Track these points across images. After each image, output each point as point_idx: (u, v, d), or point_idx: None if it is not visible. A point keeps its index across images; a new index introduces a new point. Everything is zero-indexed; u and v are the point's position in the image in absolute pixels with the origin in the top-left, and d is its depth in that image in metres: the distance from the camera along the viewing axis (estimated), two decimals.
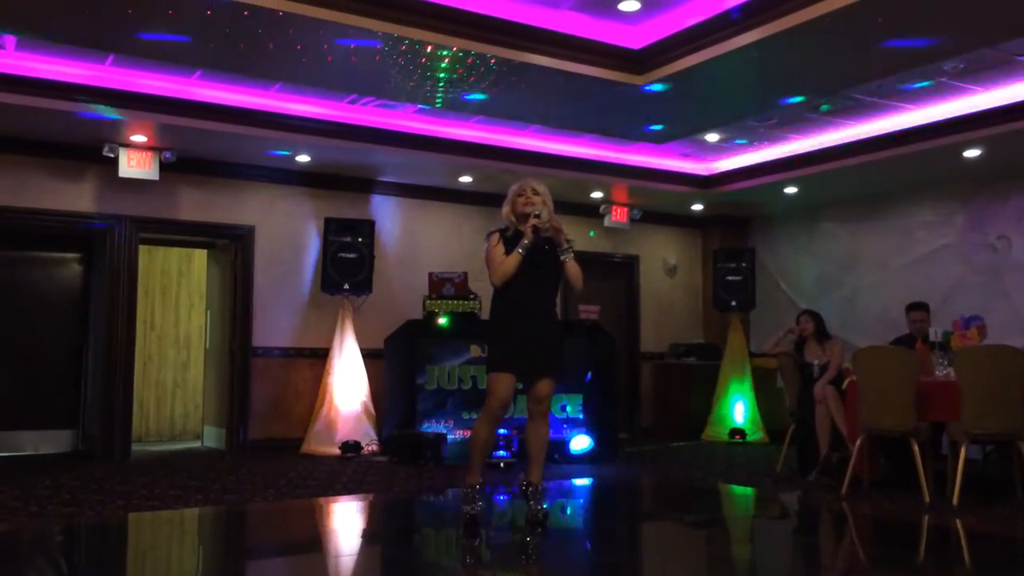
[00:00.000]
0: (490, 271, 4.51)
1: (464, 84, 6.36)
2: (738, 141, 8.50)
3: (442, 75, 6.18)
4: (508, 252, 4.46)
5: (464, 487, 4.50)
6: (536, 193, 4.53)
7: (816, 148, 8.37)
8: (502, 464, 6.99)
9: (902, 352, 5.94)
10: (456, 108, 7.12)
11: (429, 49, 5.71)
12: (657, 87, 6.43)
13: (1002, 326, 6.97)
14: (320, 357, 8.35)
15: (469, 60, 5.88)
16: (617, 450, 7.93)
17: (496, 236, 4.55)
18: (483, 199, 9.02)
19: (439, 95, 6.67)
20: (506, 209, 4.60)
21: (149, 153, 7.55)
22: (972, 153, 7.66)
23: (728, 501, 6.33)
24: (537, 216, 4.42)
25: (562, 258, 4.50)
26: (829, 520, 5.49)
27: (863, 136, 7.94)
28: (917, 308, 6.74)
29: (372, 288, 8.37)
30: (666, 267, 10.81)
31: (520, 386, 4.62)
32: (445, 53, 5.78)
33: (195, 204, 8.19)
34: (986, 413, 5.38)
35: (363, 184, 8.90)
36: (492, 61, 5.89)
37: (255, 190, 8.46)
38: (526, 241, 4.39)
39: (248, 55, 5.88)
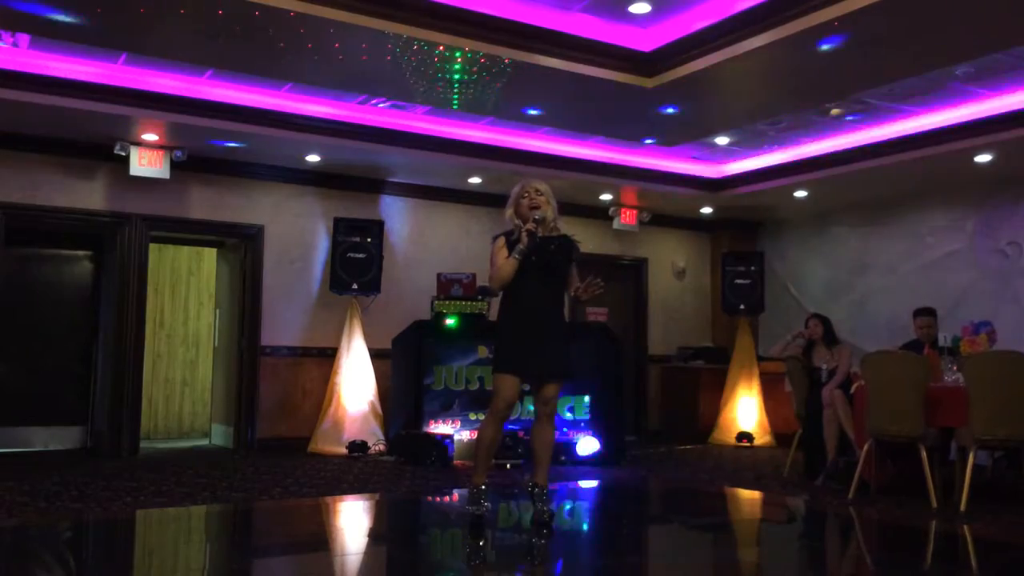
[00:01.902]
0: (489, 274, 4.49)
1: (475, 85, 6.37)
2: (748, 144, 8.49)
3: (454, 76, 6.19)
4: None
5: (471, 488, 4.51)
6: (539, 194, 4.49)
7: (826, 152, 8.34)
8: (509, 465, 6.99)
9: (911, 357, 5.92)
10: (470, 110, 7.14)
11: (440, 50, 5.72)
12: (668, 104, 6.46)
13: (1012, 332, 6.94)
14: (328, 356, 8.38)
15: (482, 60, 5.89)
16: (624, 453, 7.92)
17: (502, 240, 4.49)
18: (492, 200, 9.01)
19: (453, 97, 6.68)
20: (509, 211, 4.54)
21: (160, 152, 7.59)
22: (983, 158, 7.63)
23: (735, 505, 6.31)
24: (536, 221, 4.38)
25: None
26: (836, 525, 5.47)
27: (874, 140, 7.91)
28: (924, 314, 6.70)
29: (380, 288, 8.38)
30: (675, 270, 10.79)
31: (527, 388, 4.61)
32: (456, 54, 5.79)
33: (205, 203, 8.22)
34: (995, 419, 5.36)
35: (372, 184, 8.92)
36: (507, 61, 5.90)
37: (265, 189, 8.49)
38: (522, 246, 4.34)
39: (259, 55, 5.91)
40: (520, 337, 4.41)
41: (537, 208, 4.42)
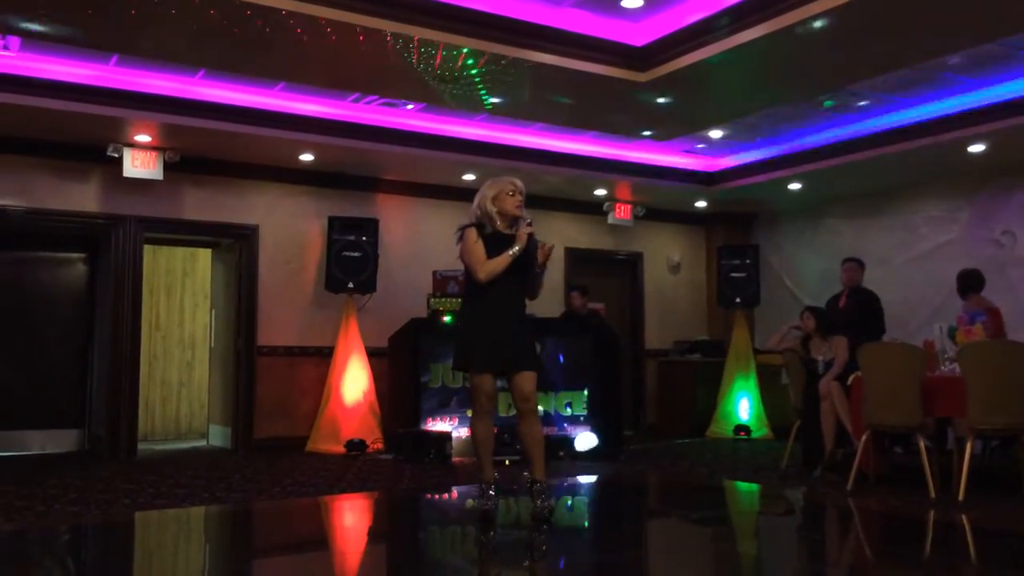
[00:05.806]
0: (474, 268, 4.46)
1: (468, 82, 6.36)
2: (741, 138, 8.49)
3: (447, 73, 6.18)
4: (489, 250, 4.44)
5: (481, 484, 4.53)
6: (522, 194, 4.55)
7: (820, 144, 8.36)
8: (508, 461, 6.99)
9: (907, 348, 5.92)
10: (463, 107, 7.13)
11: (433, 47, 5.71)
12: (661, 98, 6.48)
13: (1007, 321, 6.95)
14: (325, 356, 8.37)
15: (469, 57, 5.88)
16: (622, 447, 7.93)
17: (474, 232, 4.50)
18: None
19: (445, 93, 6.67)
20: (487, 204, 4.51)
21: (153, 153, 7.58)
22: (976, 148, 7.65)
23: (733, 498, 6.32)
24: (529, 223, 4.46)
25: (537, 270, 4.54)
26: (835, 516, 5.48)
27: (867, 132, 7.93)
28: (848, 260, 7.13)
29: (376, 286, 8.38)
30: (670, 264, 10.80)
31: (504, 384, 4.63)
32: (450, 51, 5.78)
33: (199, 203, 8.20)
34: (991, 408, 5.36)
35: (367, 183, 8.91)
36: (490, 57, 5.89)
37: (259, 189, 8.48)
38: (519, 246, 4.41)
39: (251, 54, 5.89)
40: (486, 333, 4.45)
41: (522, 209, 4.51)
